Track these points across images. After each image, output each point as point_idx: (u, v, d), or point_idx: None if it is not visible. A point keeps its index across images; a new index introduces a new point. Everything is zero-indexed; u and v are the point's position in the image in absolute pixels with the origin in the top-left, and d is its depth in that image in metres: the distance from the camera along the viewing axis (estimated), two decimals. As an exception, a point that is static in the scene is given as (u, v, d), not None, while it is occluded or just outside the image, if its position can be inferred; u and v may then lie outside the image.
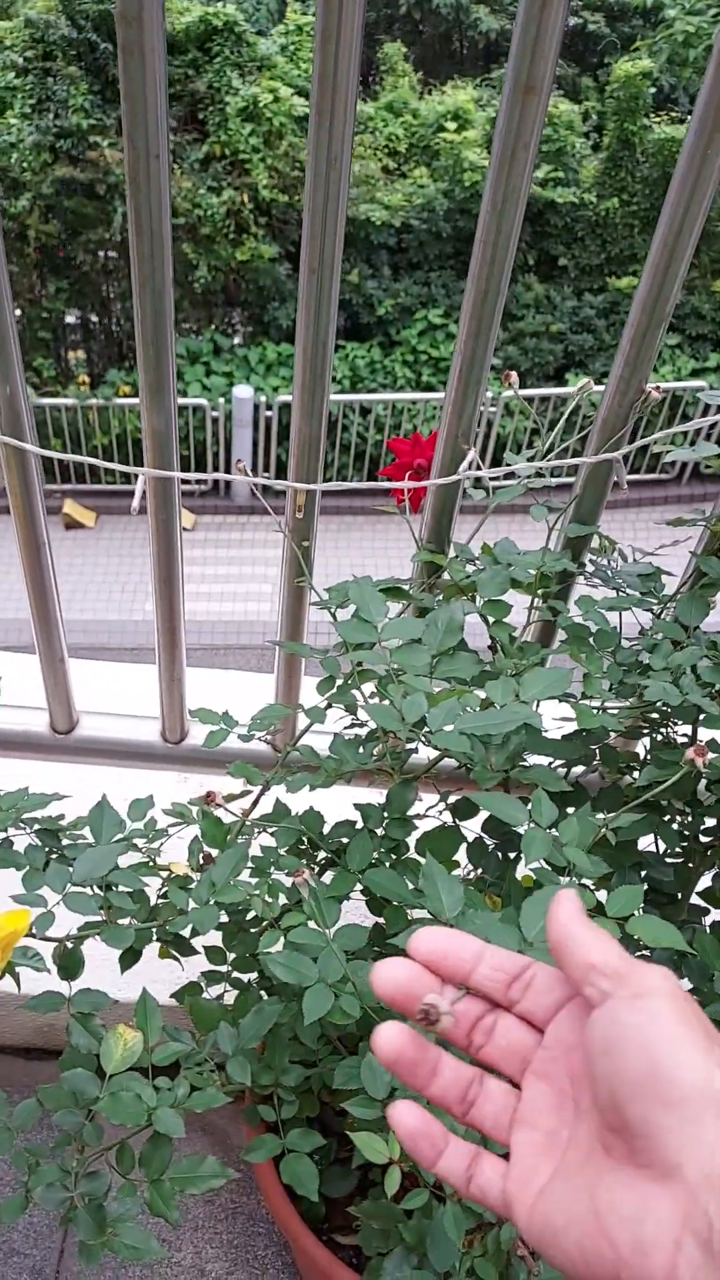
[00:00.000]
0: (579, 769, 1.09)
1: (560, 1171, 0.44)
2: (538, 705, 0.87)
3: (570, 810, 0.93)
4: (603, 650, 0.99)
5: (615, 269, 9.66)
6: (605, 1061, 0.42)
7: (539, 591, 1.03)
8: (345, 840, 0.99)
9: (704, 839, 1.01)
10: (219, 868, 0.90)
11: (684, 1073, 0.40)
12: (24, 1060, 1.42)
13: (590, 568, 1.08)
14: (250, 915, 1.00)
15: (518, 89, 0.78)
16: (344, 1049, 0.99)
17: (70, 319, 9.88)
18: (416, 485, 1.06)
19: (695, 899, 1.03)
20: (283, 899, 0.93)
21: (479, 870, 1.01)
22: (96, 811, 0.94)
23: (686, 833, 1.01)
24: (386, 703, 0.86)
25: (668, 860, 1.02)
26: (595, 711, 0.93)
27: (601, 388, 1.01)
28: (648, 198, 9.34)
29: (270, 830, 1.01)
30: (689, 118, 0.84)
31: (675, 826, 1.00)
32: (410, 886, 0.92)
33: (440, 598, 1.05)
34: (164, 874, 0.98)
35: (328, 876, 0.96)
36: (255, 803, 1.06)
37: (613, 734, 1.05)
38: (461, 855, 0.99)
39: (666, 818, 1.00)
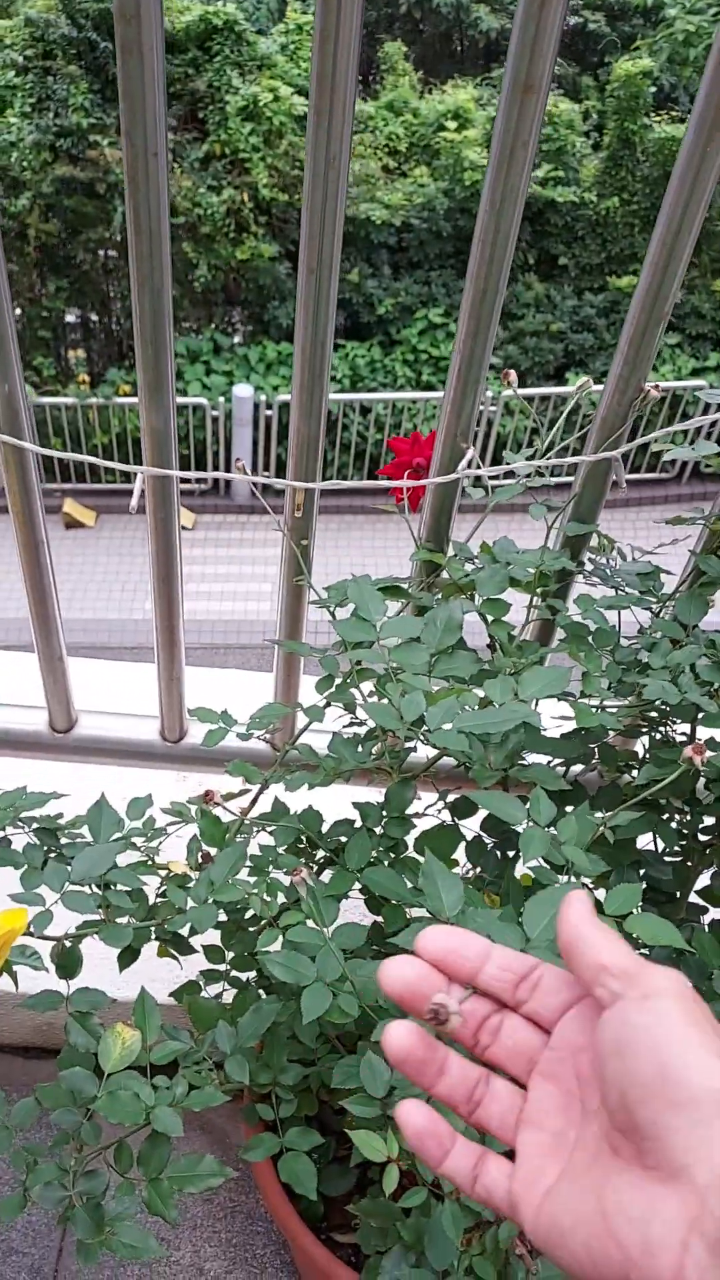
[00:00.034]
0: (578, 767, 1.09)
1: (567, 1173, 0.44)
2: (536, 704, 0.87)
3: (569, 809, 0.93)
4: (601, 649, 0.99)
5: (615, 268, 9.66)
6: (615, 1063, 0.42)
7: (538, 590, 1.03)
8: (344, 839, 0.99)
9: (702, 837, 1.01)
10: (217, 866, 0.90)
11: (694, 1075, 0.40)
12: (23, 1059, 1.42)
13: (589, 566, 1.08)
14: (249, 914, 1.00)
15: (516, 87, 0.78)
16: (342, 1048, 0.99)
17: (70, 318, 9.88)
18: (415, 484, 1.06)
19: (694, 897, 1.03)
20: (281, 898, 0.93)
21: (478, 869, 1.01)
22: (95, 810, 0.94)
23: (685, 831, 1.01)
24: (385, 701, 0.86)
25: (666, 859, 1.02)
26: (594, 710, 0.93)
27: (601, 387, 1.01)
28: (648, 197, 9.34)
29: (269, 829, 1.01)
30: (689, 116, 0.84)
31: (674, 825, 1.00)
32: (409, 885, 0.92)
33: (439, 596, 1.05)
34: (162, 873, 0.98)
35: (326, 875, 0.96)
36: (254, 801, 1.06)
37: (611, 732, 1.05)
38: (460, 854, 0.99)
39: (665, 816, 1.00)
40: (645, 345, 0.94)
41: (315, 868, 1.01)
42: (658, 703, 0.95)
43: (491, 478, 1.03)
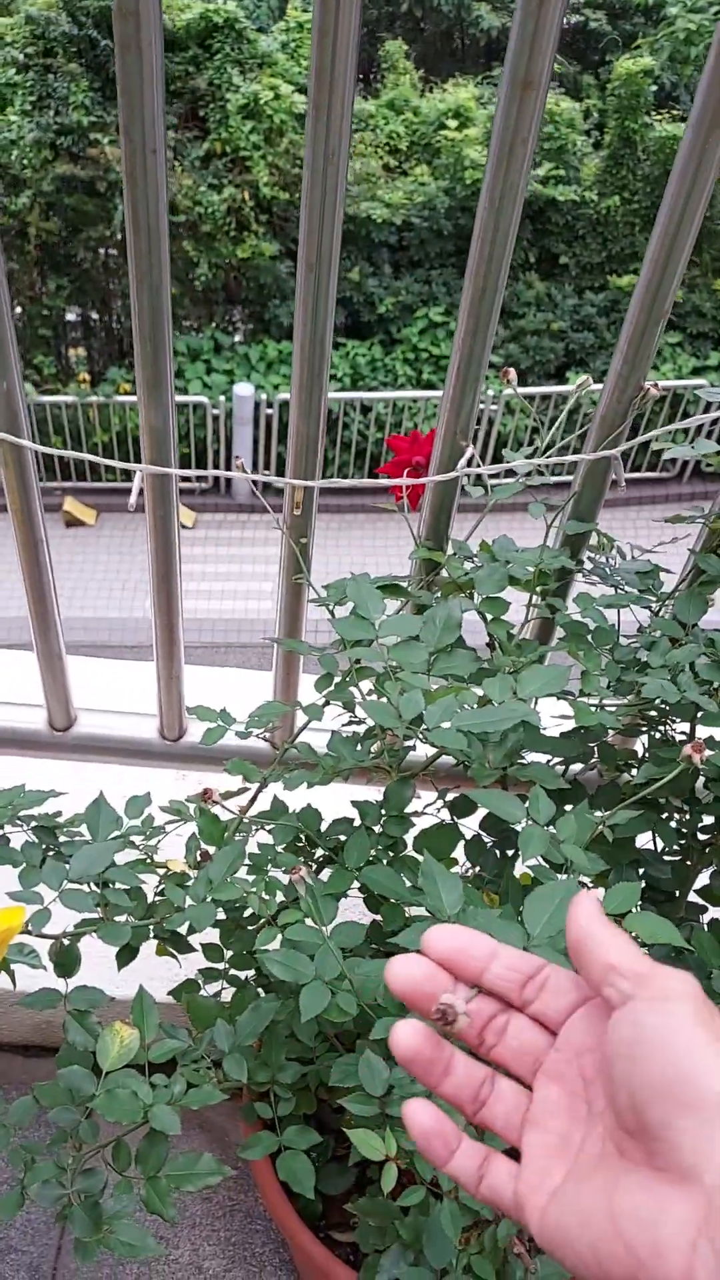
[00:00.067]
0: (577, 766, 1.09)
1: (573, 1174, 0.44)
2: (535, 702, 0.87)
3: (568, 807, 0.93)
4: (601, 647, 0.99)
5: (616, 267, 9.66)
6: (625, 1064, 0.41)
7: (537, 589, 1.03)
8: (343, 837, 0.99)
9: (702, 836, 1.01)
10: (216, 865, 0.90)
11: (705, 1077, 0.40)
12: (22, 1058, 1.42)
13: (588, 565, 1.08)
14: (247, 912, 1.00)
15: (516, 84, 0.78)
16: (341, 1046, 0.99)
17: (71, 316, 9.88)
18: (415, 482, 1.05)
19: (693, 896, 1.03)
20: (280, 896, 0.93)
21: (476, 868, 1.01)
22: (93, 808, 0.94)
23: (684, 830, 1.01)
24: (384, 700, 0.86)
25: (665, 858, 1.02)
26: (593, 709, 0.93)
27: (601, 385, 1.00)
28: (649, 195, 9.34)
29: (268, 827, 1.01)
30: (689, 114, 0.83)
31: (673, 824, 1.00)
32: (407, 884, 0.92)
33: (438, 595, 1.05)
34: (161, 871, 0.98)
35: (325, 874, 0.96)
36: (253, 800, 1.06)
37: (611, 731, 1.05)
38: (459, 853, 0.99)
39: (664, 815, 1.00)
40: (645, 343, 0.94)
41: (314, 866, 1.01)
42: (657, 701, 0.95)
43: (491, 476, 1.02)
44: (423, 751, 1.12)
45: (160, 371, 0.93)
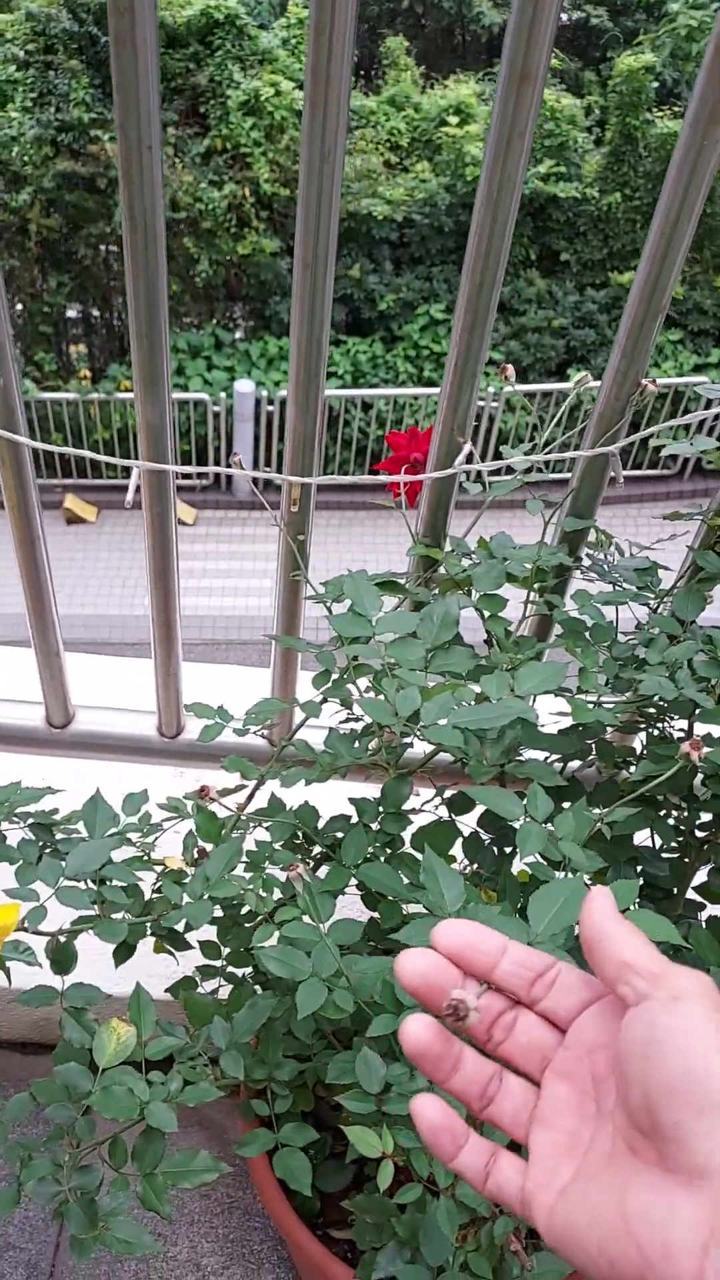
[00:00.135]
0: (575, 763, 1.09)
1: (582, 1172, 0.44)
2: (533, 700, 0.86)
3: (566, 805, 0.93)
4: (599, 644, 0.99)
5: (617, 264, 9.65)
6: (640, 1064, 0.41)
7: (535, 586, 1.03)
8: (340, 835, 0.98)
9: (700, 834, 1.01)
10: (213, 862, 0.90)
11: (719, 1079, 0.39)
12: (20, 1055, 1.42)
13: (587, 562, 1.07)
14: (245, 910, 0.99)
15: (513, 77, 0.78)
16: (338, 1043, 0.99)
17: (72, 313, 9.88)
18: (412, 479, 1.05)
19: (691, 894, 1.03)
20: (277, 893, 0.93)
21: (474, 865, 1.01)
22: (90, 805, 0.94)
23: (682, 827, 1.01)
24: (381, 697, 0.86)
25: (663, 855, 1.01)
26: (591, 706, 0.93)
27: (599, 382, 1.00)
28: (650, 193, 9.33)
29: (265, 825, 1.00)
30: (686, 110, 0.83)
31: (671, 821, 1.00)
32: (405, 881, 0.91)
33: (436, 592, 1.05)
34: (158, 868, 0.98)
35: (322, 871, 0.96)
36: (250, 797, 1.06)
37: (609, 729, 1.05)
38: (457, 850, 0.99)
39: (662, 812, 1.00)
40: (643, 340, 0.94)
41: (311, 863, 1.01)
42: (655, 698, 0.95)
43: (489, 473, 1.02)
44: (420, 748, 1.12)
45: (157, 368, 0.93)
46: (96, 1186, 0.82)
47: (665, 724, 1.02)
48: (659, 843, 1.00)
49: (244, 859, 0.94)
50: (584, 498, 1.05)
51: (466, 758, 0.91)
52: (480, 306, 0.91)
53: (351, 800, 1.00)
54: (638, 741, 1.16)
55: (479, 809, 1.00)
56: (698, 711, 0.94)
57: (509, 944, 0.49)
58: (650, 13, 10.85)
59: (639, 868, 0.99)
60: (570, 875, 0.82)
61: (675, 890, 1.02)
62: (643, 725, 1.04)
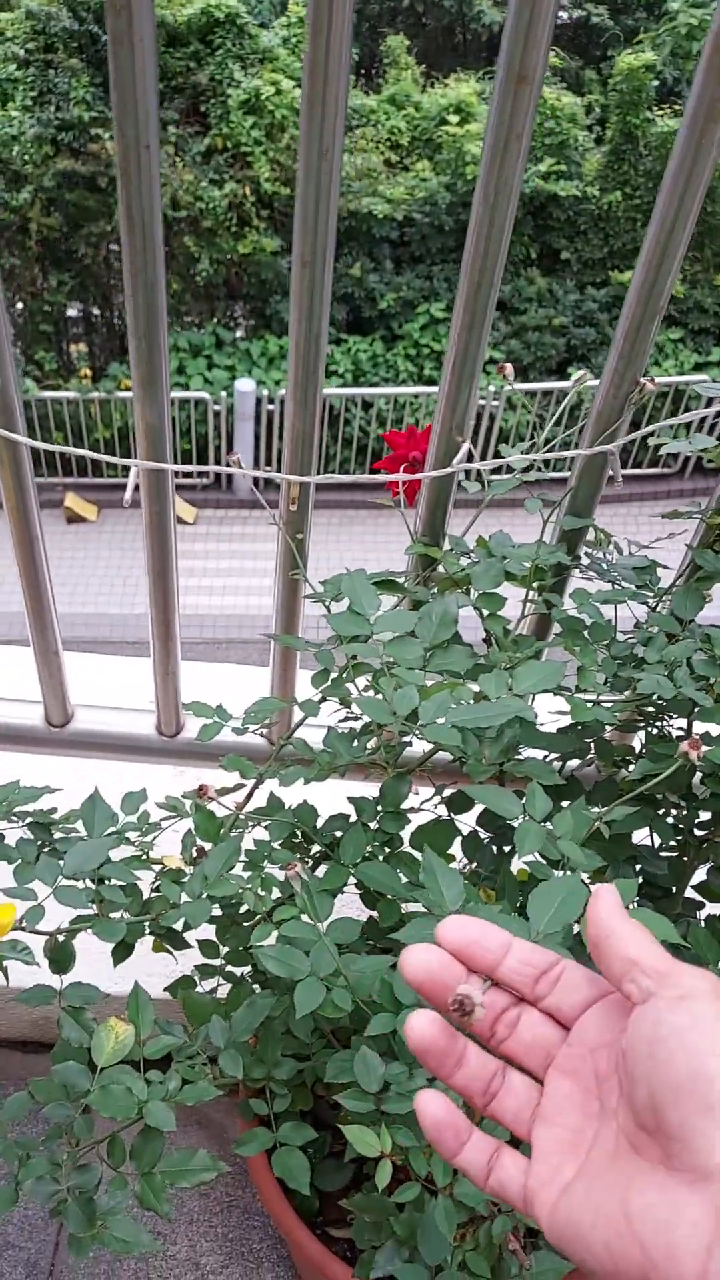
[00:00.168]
0: (574, 762, 1.09)
1: (585, 1170, 0.43)
2: (532, 698, 0.86)
3: (565, 803, 0.93)
4: (597, 643, 0.99)
5: (618, 262, 9.65)
6: (646, 1062, 0.41)
7: (534, 584, 1.03)
8: (339, 834, 0.98)
9: (698, 832, 1.01)
10: (211, 861, 0.90)
11: None
12: (20, 1053, 1.43)
13: (585, 561, 1.07)
14: (243, 909, 0.99)
15: (510, 78, 0.78)
16: (337, 1042, 0.99)
17: (72, 312, 9.88)
18: (411, 478, 1.05)
19: (690, 893, 1.03)
20: (276, 893, 0.93)
21: (473, 864, 1.01)
22: (88, 805, 0.94)
23: (681, 826, 1.01)
24: (379, 696, 0.86)
25: (662, 854, 1.01)
26: (590, 705, 0.93)
27: (598, 381, 1.00)
28: (650, 191, 9.32)
29: (264, 824, 1.00)
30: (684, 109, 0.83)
31: (670, 820, 1.00)
32: (404, 880, 0.91)
33: (435, 591, 1.05)
34: (157, 867, 0.98)
35: (321, 870, 0.96)
36: (249, 796, 1.06)
37: (608, 727, 1.05)
38: (456, 849, 0.99)
39: (661, 811, 1.00)
40: (641, 338, 0.94)
41: (310, 862, 1.01)
42: (653, 697, 0.95)
43: (489, 471, 1.02)
44: (419, 747, 1.12)
45: (155, 368, 0.93)
46: (95, 1185, 0.82)
47: (664, 723, 1.02)
48: (658, 841, 1.00)
49: (242, 858, 0.94)
50: (582, 496, 1.05)
51: (465, 757, 0.91)
52: (478, 307, 0.91)
53: (350, 799, 1.00)
54: (636, 740, 1.16)
55: (478, 808, 1.00)
56: (696, 710, 0.94)
57: (513, 941, 0.49)
58: (650, 11, 10.84)
59: (638, 866, 0.99)
60: (569, 874, 0.82)
61: (674, 889, 1.02)
62: (641, 724, 1.04)
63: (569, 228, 9.60)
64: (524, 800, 0.81)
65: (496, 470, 1.03)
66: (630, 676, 0.94)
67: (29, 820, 0.95)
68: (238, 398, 9.06)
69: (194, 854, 0.98)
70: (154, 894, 0.96)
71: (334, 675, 0.98)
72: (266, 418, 9.20)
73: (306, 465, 1.00)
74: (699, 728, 1.00)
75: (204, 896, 0.89)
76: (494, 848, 1.02)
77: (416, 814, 1.01)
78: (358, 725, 1.01)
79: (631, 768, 1.03)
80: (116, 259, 9.35)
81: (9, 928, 0.78)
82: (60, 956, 0.92)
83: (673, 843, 1.01)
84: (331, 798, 1.06)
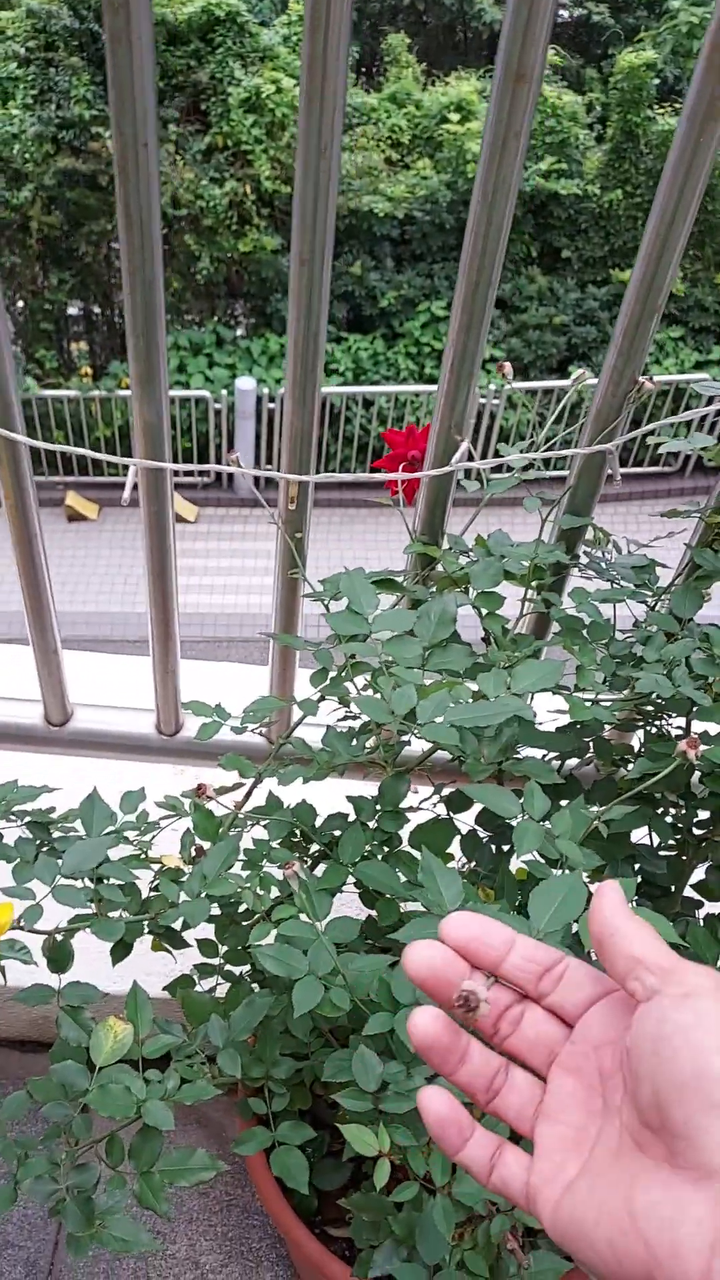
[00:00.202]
0: (573, 761, 1.09)
1: (589, 1168, 0.43)
2: (531, 698, 0.86)
3: (564, 803, 0.93)
4: (596, 642, 0.99)
5: (619, 261, 9.64)
6: (651, 1060, 0.41)
7: (533, 583, 1.03)
8: (337, 833, 0.98)
9: (697, 831, 1.01)
10: (210, 860, 0.90)
11: None
12: (19, 1053, 1.43)
13: (584, 560, 1.07)
14: (242, 908, 0.99)
15: (508, 77, 0.78)
16: (335, 1042, 0.99)
17: (73, 310, 9.88)
18: (410, 476, 1.05)
19: (688, 892, 1.03)
20: (274, 892, 0.93)
21: (472, 863, 1.01)
22: (87, 804, 0.94)
23: (680, 825, 1.01)
24: (378, 695, 0.86)
25: (661, 853, 1.01)
26: (588, 704, 0.93)
27: (597, 379, 1.00)
28: (651, 189, 9.30)
29: (263, 823, 1.00)
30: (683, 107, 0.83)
31: (668, 819, 1.00)
32: (402, 879, 0.91)
33: (433, 589, 1.05)
34: (155, 867, 0.98)
35: (320, 869, 0.96)
36: (248, 795, 1.06)
37: (606, 726, 1.05)
38: (455, 848, 0.99)
39: (660, 810, 1.00)
40: (640, 337, 0.93)
41: (308, 862, 1.01)
42: (652, 696, 0.95)
43: (488, 470, 1.02)
44: (418, 746, 1.12)
45: (153, 366, 0.92)
46: (94, 1184, 0.82)
47: (663, 722, 1.02)
48: (657, 840, 1.00)
49: (241, 857, 0.94)
50: (581, 495, 1.05)
51: (464, 756, 0.91)
52: (476, 306, 0.91)
53: (349, 798, 1.00)
54: (635, 739, 1.16)
55: (476, 807, 1.00)
56: (695, 709, 0.94)
57: (517, 938, 0.49)
58: (651, 9, 10.83)
59: (637, 865, 0.99)
60: (568, 873, 0.81)
61: (673, 888, 1.02)
62: (640, 723, 1.04)
63: (570, 226, 9.60)
64: (523, 799, 0.81)
65: (496, 469, 1.03)
66: (629, 675, 0.94)
67: (27, 819, 0.95)
68: (238, 396, 9.06)
69: (193, 853, 0.98)
70: (153, 893, 0.96)
71: (333, 674, 0.98)
72: (267, 416, 9.20)
73: (305, 464, 1.00)
74: (698, 726, 1.00)
75: (202, 895, 0.89)
76: (493, 847, 1.01)
77: (415, 813, 1.01)
78: (356, 724, 1.01)
79: (630, 767, 1.03)
80: (117, 257, 9.30)
81: (7, 927, 0.78)
82: (59, 956, 0.92)
83: (671, 841, 1.01)
84: (330, 797, 1.06)
